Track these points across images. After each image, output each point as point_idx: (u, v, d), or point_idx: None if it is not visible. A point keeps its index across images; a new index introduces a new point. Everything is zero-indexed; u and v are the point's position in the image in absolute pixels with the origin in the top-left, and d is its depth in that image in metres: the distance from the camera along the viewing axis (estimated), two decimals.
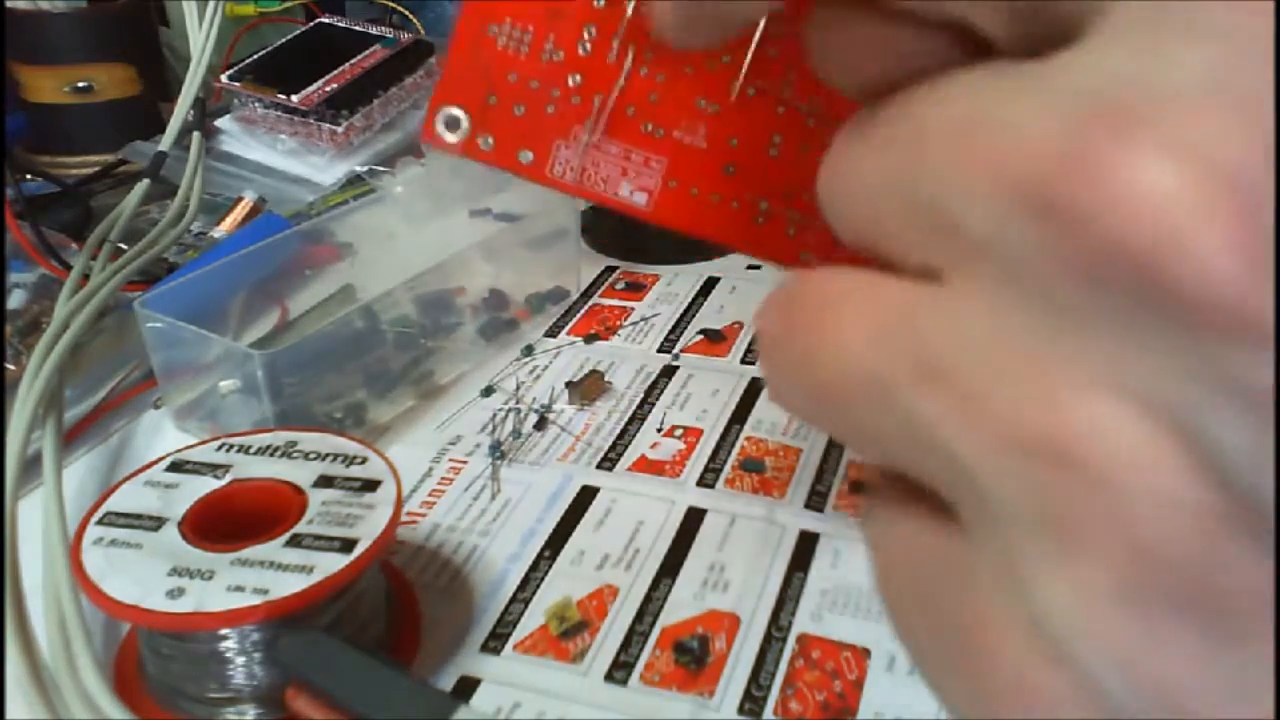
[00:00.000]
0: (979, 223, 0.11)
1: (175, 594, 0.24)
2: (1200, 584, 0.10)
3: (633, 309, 0.46)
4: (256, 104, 0.56)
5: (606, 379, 0.40)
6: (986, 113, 0.12)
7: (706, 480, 0.34)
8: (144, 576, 0.24)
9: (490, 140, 0.19)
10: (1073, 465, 0.10)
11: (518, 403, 0.39)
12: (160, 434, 0.38)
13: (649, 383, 0.40)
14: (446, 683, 0.27)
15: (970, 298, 0.11)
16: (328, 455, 0.28)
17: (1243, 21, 0.10)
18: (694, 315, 0.45)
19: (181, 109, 0.54)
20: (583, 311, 0.46)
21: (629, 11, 0.19)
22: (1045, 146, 0.11)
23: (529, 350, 0.42)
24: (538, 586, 0.30)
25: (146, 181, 0.51)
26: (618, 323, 0.45)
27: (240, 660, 0.25)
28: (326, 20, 0.61)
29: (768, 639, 0.28)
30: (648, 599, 0.29)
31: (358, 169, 0.55)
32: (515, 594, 0.30)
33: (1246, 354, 0.10)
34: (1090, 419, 0.10)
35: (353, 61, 0.56)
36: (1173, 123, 0.10)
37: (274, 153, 0.56)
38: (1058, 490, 0.10)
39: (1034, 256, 0.11)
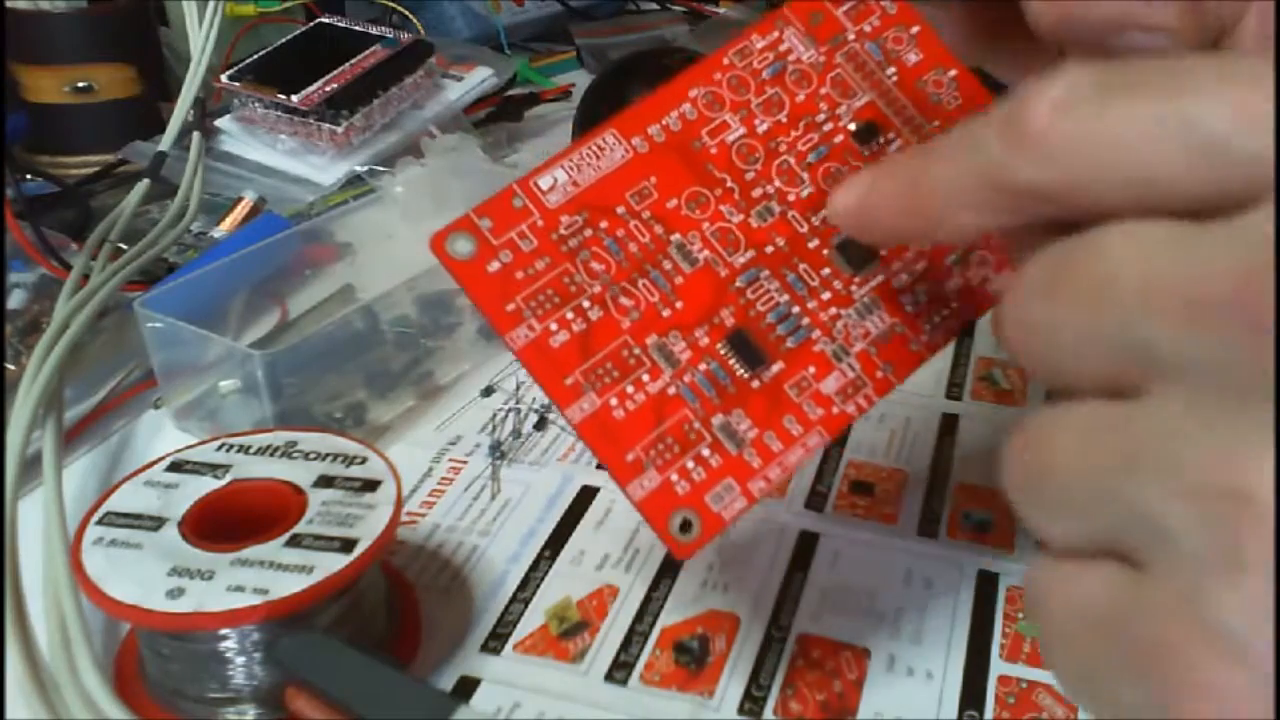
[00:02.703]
0: (1174, 344, 0.15)
1: (175, 594, 0.24)
2: None
3: None
4: (256, 104, 0.56)
5: None
6: (1168, 261, 0.15)
7: None
8: (144, 576, 0.24)
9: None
10: (1249, 502, 0.13)
11: (518, 403, 0.39)
12: (160, 434, 0.38)
13: None
14: (446, 683, 0.27)
15: (1169, 401, 0.15)
16: (328, 455, 0.28)
17: None
18: None
19: (181, 109, 0.54)
20: None
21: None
22: (1229, 275, 0.14)
23: None
24: (538, 586, 0.30)
25: (146, 181, 0.51)
26: None
27: (240, 660, 0.25)
28: (326, 20, 0.61)
29: (768, 639, 0.28)
30: (648, 599, 0.29)
31: (358, 169, 0.55)
32: (515, 594, 0.30)
33: None
34: (1265, 467, 0.13)
35: (353, 61, 0.56)
36: None
37: (274, 153, 0.56)
38: (1237, 523, 0.13)
39: (1233, 359, 0.14)
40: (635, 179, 0.24)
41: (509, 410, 0.38)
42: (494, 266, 0.23)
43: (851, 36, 0.26)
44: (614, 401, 0.23)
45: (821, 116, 0.26)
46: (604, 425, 0.23)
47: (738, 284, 0.24)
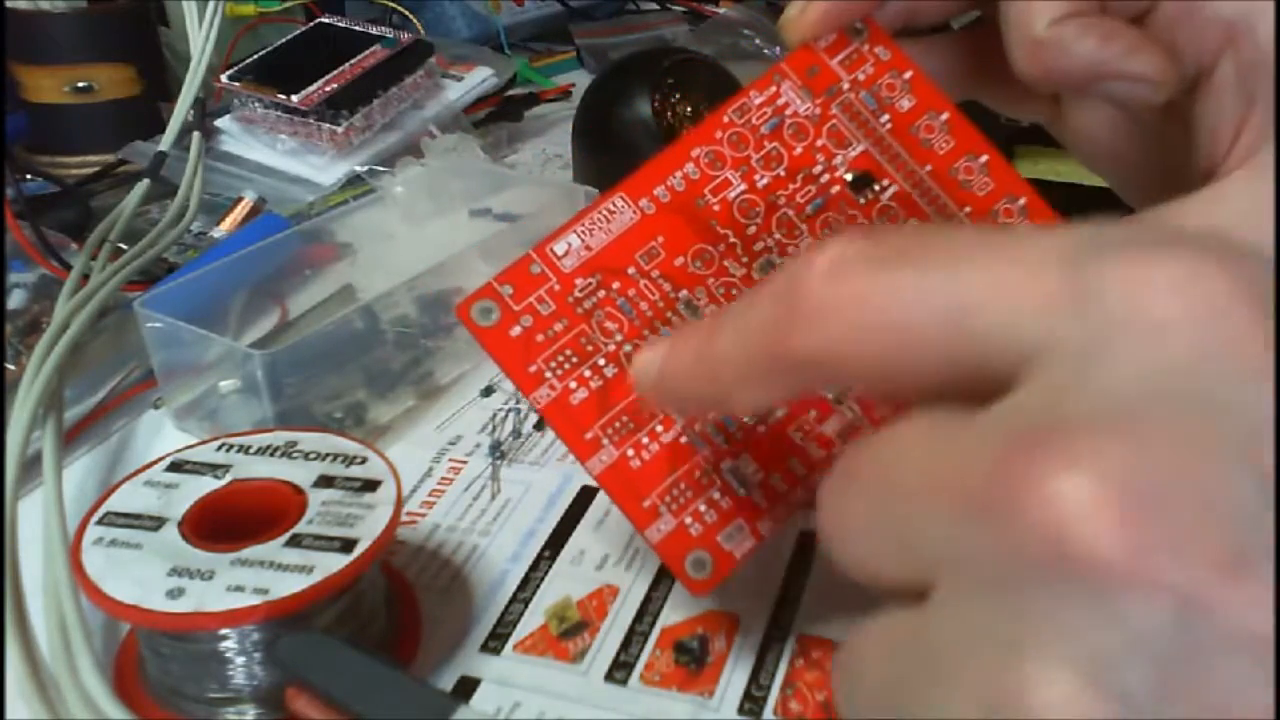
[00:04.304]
0: (945, 541, 0.15)
1: (175, 594, 0.24)
2: None
3: None
4: (256, 104, 0.56)
5: None
6: (937, 457, 0.16)
7: None
8: (144, 576, 0.24)
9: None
10: (1019, 710, 0.14)
11: (518, 403, 0.39)
12: (160, 434, 0.38)
13: None
14: (446, 683, 0.27)
15: (948, 601, 0.15)
16: (328, 455, 0.28)
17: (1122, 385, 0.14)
18: None
19: (181, 109, 0.54)
20: None
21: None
22: (983, 471, 0.14)
23: None
24: (538, 586, 0.30)
25: (146, 181, 0.51)
26: None
27: (240, 660, 0.25)
28: (326, 20, 0.61)
29: (768, 639, 0.28)
30: (648, 599, 0.29)
31: (358, 169, 0.55)
32: (515, 594, 0.30)
33: (1134, 601, 0.13)
34: (1030, 680, 0.14)
35: (353, 61, 0.56)
36: (1073, 444, 0.14)
37: (274, 153, 0.56)
38: None
39: (990, 551, 0.14)
40: (643, 240, 0.26)
41: (509, 410, 0.38)
42: (516, 331, 0.25)
43: (846, 86, 0.27)
44: (630, 452, 0.25)
45: (818, 168, 0.27)
46: (622, 475, 0.24)
47: None
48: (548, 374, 0.25)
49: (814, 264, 0.17)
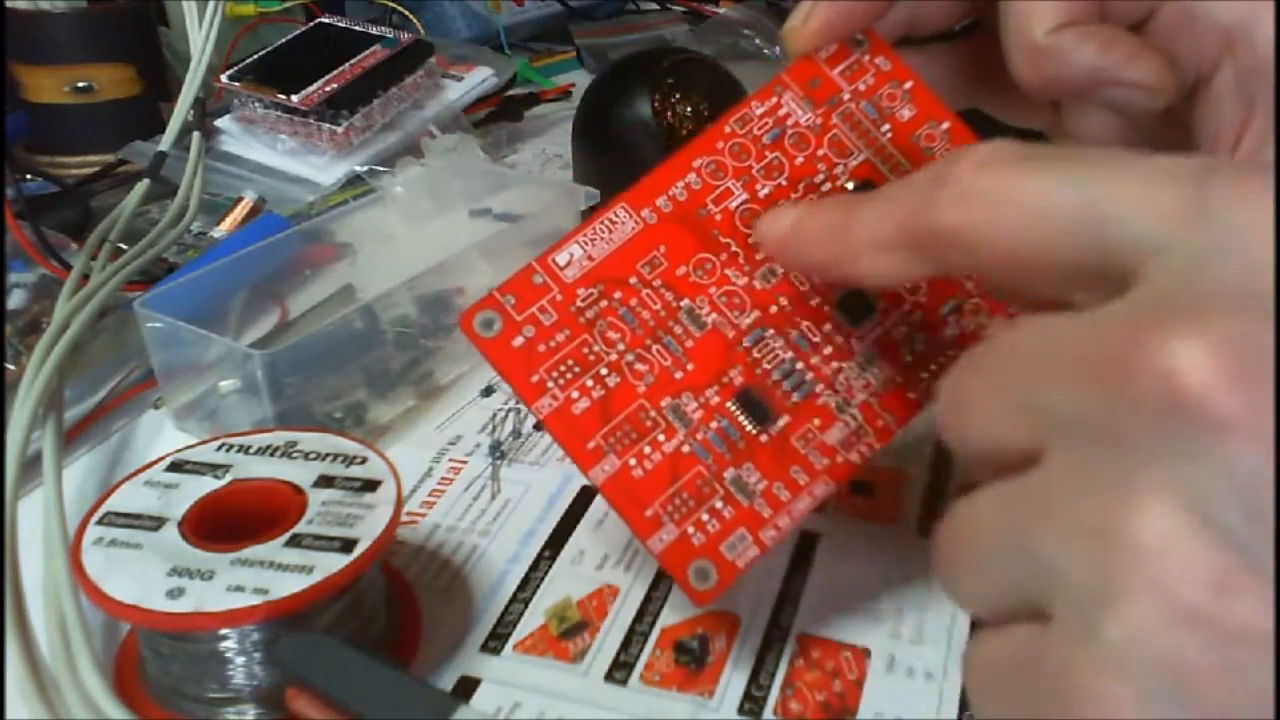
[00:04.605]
0: (1064, 404, 0.17)
1: (175, 594, 0.24)
2: (1213, 618, 0.15)
3: None
4: (256, 104, 0.56)
5: None
6: (1060, 338, 0.17)
7: None
8: (144, 576, 0.24)
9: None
10: (1116, 537, 0.15)
11: (517, 403, 0.39)
12: (160, 434, 0.38)
13: None
14: (446, 683, 0.27)
15: (1061, 459, 0.17)
16: (328, 455, 0.28)
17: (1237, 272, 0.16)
18: None
19: (181, 109, 0.54)
20: None
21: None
22: (1107, 343, 0.16)
23: None
24: (538, 586, 0.30)
25: (146, 181, 0.51)
26: None
27: (240, 660, 0.25)
28: (326, 20, 0.61)
29: (768, 639, 0.28)
30: (648, 599, 0.29)
31: (358, 169, 0.55)
32: (515, 594, 0.30)
33: (1240, 448, 0.15)
34: (1137, 512, 0.15)
35: (353, 61, 0.56)
36: (1192, 319, 0.15)
37: (274, 153, 0.56)
38: (1110, 557, 0.15)
39: (1104, 410, 0.16)
40: (645, 249, 0.26)
41: (509, 410, 0.38)
42: (518, 341, 0.25)
43: (847, 96, 0.27)
44: (633, 461, 0.25)
45: (820, 177, 0.27)
46: (624, 484, 0.24)
47: (745, 344, 0.26)
48: (550, 384, 0.25)
49: (972, 153, 0.19)
